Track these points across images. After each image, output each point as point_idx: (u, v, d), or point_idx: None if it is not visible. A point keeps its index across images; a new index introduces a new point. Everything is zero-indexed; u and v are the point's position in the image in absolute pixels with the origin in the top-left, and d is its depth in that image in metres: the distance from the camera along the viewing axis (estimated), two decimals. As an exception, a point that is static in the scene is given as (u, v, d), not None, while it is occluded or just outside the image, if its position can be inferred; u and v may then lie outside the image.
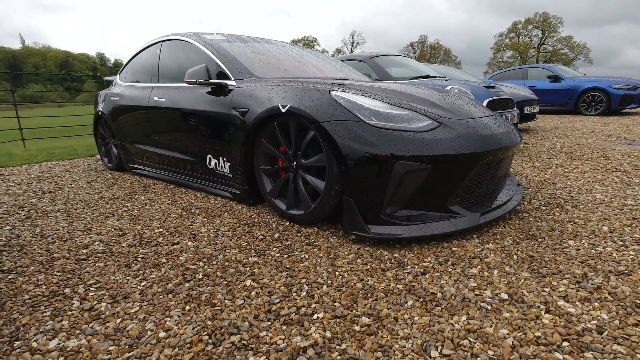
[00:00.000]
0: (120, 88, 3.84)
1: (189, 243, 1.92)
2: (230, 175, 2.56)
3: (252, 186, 2.46)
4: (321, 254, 1.76)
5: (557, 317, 1.22)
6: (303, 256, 1.74)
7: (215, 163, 2.65)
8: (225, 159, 2.55)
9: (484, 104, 4.07)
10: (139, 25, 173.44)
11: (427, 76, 5.00)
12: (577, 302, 1.30)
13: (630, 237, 1.83)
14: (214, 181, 2.75)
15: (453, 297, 1.35)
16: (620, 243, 1.76)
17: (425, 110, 1.94)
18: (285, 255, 1.76)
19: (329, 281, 1.50)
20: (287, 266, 1.65)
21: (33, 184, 3.41)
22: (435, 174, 1.78)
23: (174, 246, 1.89)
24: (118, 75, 4.17)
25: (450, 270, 1.56)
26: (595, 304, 1.29)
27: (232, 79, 2.51)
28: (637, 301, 1.29)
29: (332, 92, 1.94)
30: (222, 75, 2.59)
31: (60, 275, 1.61)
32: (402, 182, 1.77)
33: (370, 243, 1.85)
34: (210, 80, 2.50)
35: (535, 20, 68.17)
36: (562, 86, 9.56)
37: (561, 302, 1.30)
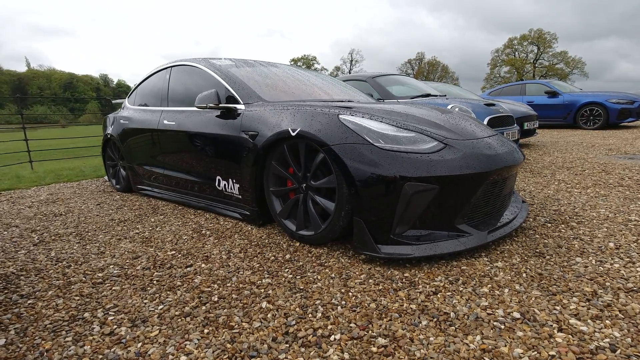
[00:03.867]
0: (130, 111, 3.94)
1: (202, 265, 1.96)
2: (240, 197, 2.61)
3: (262, 207, 2.50)
4: (333, 275, 1.79)
5: (569, 336, 1.24)
6: (315, 277, 1.78)
7: (225, 184, 2.70)
8: (234, 181, 2.61)
9: (485, 121, 4.15)
10: (139, 47, 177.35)
11: (428, 95, 5.10)
12: (589, 320, 1.32)
13: (637, 253, 1.86)
14: (223, 202, 2.80)
15: (466, 317, 1.38)
16: (628, 259, 1.79)
17: (430, 132, 2.00)
18: (298, 277, 1.79)
19: (343, 302, 1.53)
20: (301, 287, 1.67)
21: (43, 207, 3.47)
22: (443, 194, 1.83)
23: (188, 268, 1.92)
24: (127, 98, 4.28)
25: (461, 289, 1.59)
26: (607, 321, 1.31)
27: (242, 102, 2.59)
28: (648, 318, 1.31)
29: (340, 116, 2.01)
30: (232, 99, 2.67)
31: (78, 300, 1.64)
32: (411, 203, 1.81)
33: (381, 263, 1.89)
34: (220, 105, 2.59)
35: (530, 36, 69.42)
36: (560, 101, 9.70)
37: (573, 320, 1.32)
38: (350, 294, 1.60)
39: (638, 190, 3.09)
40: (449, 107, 4.21)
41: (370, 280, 1.71)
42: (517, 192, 3.00)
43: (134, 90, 4.21)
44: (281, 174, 2.29)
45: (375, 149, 1.85)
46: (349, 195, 1.90)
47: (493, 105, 4.54)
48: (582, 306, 1.41)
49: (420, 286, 1.63)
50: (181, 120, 3.05)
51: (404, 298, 1.54)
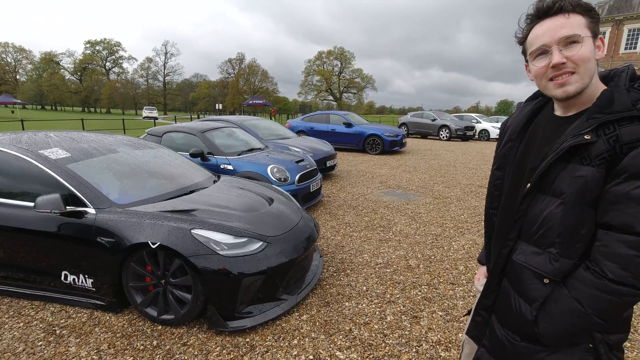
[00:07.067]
0: None
1: (77, 373, 2.29)
2: (94, 289, 2.89)
3: (119, 296, 2.87)
4: (196, 352, 2.48)
5: (334, 364, 2.37)
6: (183, 358, 2.42)
7: (74, 278, 2.91)
8: (87, 276, 2.86)
9: (297, 177, 5.43)
10: None
11: (252, 149, 6.11)
12: (345, 350, 2.50)
13: (375, 292, 3.28)
14: (71, 293, 2.97)
15: (284, 366, 2.35)
16: (370, 299, 3.17)
17: (258, 234, 2.91)
18: (168, 362, 2.39)
19: (208, 377, 2.27)
20: (173, 372, 2.30)
21: None
22: (268, 278, 2.77)
23: (63, 380, 2.23)
24: None
25: (282, 344, 2.56)
26: (352, 349, 2.52)
27: (92, 207, 2.86)
28: (370, 342, 2.59)
29: (192, 231, 2.68)
30: (78, 200, 2.88)
31: None
32: (247, 289, 2.68)
33: (229, 332, 2.68)
34: (68, 210, 2.78)
35: (335, 52, 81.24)
36: (353, 131, 12.52)
37: (337, 352, 2.48)
38: (211, 368, 2.34)
39: (387, 229, 4.89)
40: (269, 168, 5.30)
41: (224, 351, 2.49)
42: (319, 246, 4.27)
43: None
44: (140, 273, 2.76)
45: (220, 257, 2.63)
46: (202, 289, 2.61)
47: (302, 161, 5.91)
48: (343, 341, 2.60)
49: (257, 348, 2.52)
50: (13, 215, 2.97)
51: (248, 362, 2.40)
